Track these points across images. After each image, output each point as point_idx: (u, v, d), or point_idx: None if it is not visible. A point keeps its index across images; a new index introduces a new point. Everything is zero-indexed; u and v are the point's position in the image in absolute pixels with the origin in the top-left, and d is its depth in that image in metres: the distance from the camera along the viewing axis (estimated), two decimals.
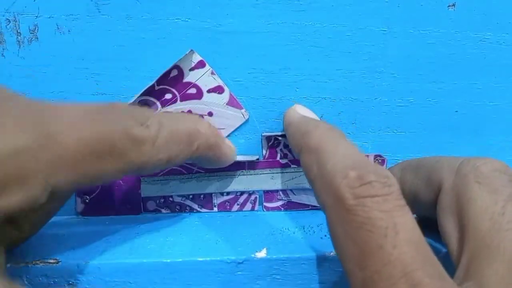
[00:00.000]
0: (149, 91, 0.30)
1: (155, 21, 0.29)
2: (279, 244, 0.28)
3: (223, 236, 0.29)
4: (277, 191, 0.33)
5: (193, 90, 0.31)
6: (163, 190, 0.32)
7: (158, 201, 0.32)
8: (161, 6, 0.29)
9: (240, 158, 0.32)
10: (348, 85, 0.32)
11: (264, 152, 0.32)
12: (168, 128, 0.24)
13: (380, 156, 0.33)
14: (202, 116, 0.31)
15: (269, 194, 0.33)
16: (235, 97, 0.31)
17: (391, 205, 0.20)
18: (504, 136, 0.34)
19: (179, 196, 0.32)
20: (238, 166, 0.32)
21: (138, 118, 0.23)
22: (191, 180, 0.32)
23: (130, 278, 0.26)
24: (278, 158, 0.33)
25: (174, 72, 0.31)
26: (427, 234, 0.21)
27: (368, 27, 0.31)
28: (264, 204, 0.33)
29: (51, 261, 0.26)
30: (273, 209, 0.33)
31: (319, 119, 0.30)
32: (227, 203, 0.33)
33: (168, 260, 0.26)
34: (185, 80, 0.31)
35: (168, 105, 0.31)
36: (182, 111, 0.31)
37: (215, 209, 0.33)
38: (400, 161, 0.33)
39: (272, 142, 0.32)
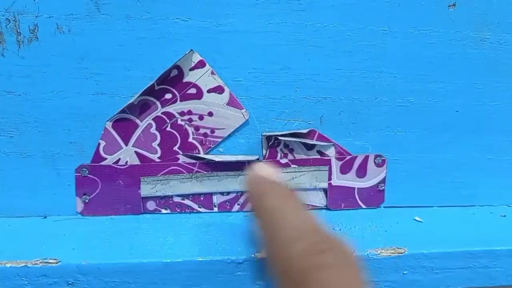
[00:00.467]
0: (149, 91, 0.30)
1: (155, 21, 0.29)
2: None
3: (223, 236, 0.29)
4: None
5: (193, 90, 0.31)
6: (163, 190, 0.32)
7: (158, 201, 0.32)
8: (161, 6, 0.29)
9: (240, 158, 0.32)
10: (348, 85, 0.32)
11: (264, 152, 0.32)
12: None
13: (380, 156, 0.33)
14: (202, 116, 0.31)
15: None
16: (235, 97, 0.31)
17: (345, 274, 0.20)
18: (504, 136, 0.34)
19: (179, 196, 0.32)
20: (238, 166, 0.32)
21: None
22: (191, 180, 0.32)
23: (130, 278, 0.26)
24: (278, 158, 0.33)
25: (174, 72, 0.31)
26: None
27: (368, 27, 0.31)
28: None
29: (51, 261, 0.26)
30: None
31: (278, 181, 0.28)
32: (227, 203, 0.33)
33: (168, 260, 0.26)
34: (185, 80, 0.31)
35: (168, 105, 0.31)
36: (183, 111, 0.31)
37: (215, 209, 0.33)
38: (400, 161, 0.34)
39: (272, 142, 0.32)
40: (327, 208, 0.34)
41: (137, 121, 0.31)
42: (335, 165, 0.33)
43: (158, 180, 0.32)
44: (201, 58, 0.30)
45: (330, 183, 0.33)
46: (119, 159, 0.31)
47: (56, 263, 0.26)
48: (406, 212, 0.34)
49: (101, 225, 0.30)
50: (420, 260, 0.29)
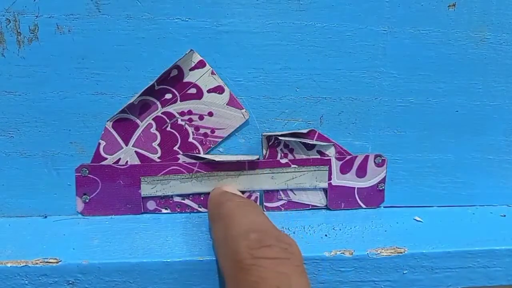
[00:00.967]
0: (149, 91, 0.30)
1: (155, 21, 0.29)
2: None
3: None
4: (277, 191, 0.33)
5: (193, 90, 0.31)
6: (163, 190, 0.32)
7: (158, 201, 0.32)
8: (161, 6, 0.29)
9: (240, 158, 0.32)
10: (348, 85, 0.32)
11: (264, 152, 0.32)
12: None
13: (380, 156, 0.33)
14: (202, 116, 0.31)
15: (269, 194, 0.33)
16: (235, 97, 0.31)
17: (288, 268, 0.20)
18: (504, 136, 0.34)
19: (179, 196, 0.32)
20: (238, 166, 0.32)
21: None
22: (191, 180, 0.32)
23: (130, 278, 0.26)
24: (278, 158, 0.33)
25: (174, 72, 0.31)
26: None
27: (368, 27, 0.31)
28: (265, 204, 0.33)
29: (52, 260, 0.26)
30: (273, 209, 0.33)
31: (241, 195, 0.31)
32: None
33: (168, 260, 0.26)
34: (185, 80, 0.31)
35: (168, 105, 0.31)
36: (183, 111, 0.31)
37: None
38: (400, 161, 0.34)
39: (272, 142, 0.32)
40: (327, 208, 0.34)
41: (137, 121, 0.31)
42: (335, 165, 0.33)
43: (158, 180, 0.32)
44: (201, 58, 0.30)
45: (330, 183, 0.33)
46: (119, 159, 0.31)
47: (57, 262, 0.26)
48: (406, 212, 0.34)
49: (101, 225, 0.30)
50: (420, 260, 0.29)
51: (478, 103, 0.33)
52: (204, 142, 0.32)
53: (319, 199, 0.34)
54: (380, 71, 0.32)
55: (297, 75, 0.31)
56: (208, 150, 0.32)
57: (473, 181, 0.35)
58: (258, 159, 0.32)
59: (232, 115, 0.31)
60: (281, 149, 0.33)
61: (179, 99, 0.31)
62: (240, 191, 0.33)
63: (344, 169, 0.33)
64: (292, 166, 0.33)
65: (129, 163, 0.31)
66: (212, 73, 0.31)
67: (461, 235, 0.31)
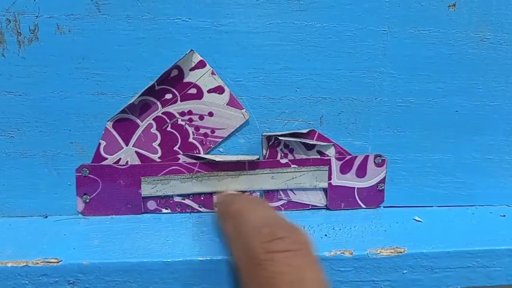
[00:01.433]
0: (150, 91, 0.30)
1: (155, 21, 0.29)
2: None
3: (223, 236, 0.29)
4: (277, 191, 0.33)
5: (193, 90, 0.31)
6: (164, 190, 0.32)
7: (158, 201, 0.32)
8: (161, 6, 0.29)
9: (240, 158, 0.32)
10: (348, 85, 0.32)
11: (264, 152, 0.32)
12: None
13: (380, 156, 0.33)
14: (202, 116, 0.31)
15: (269, 194, 0.33)
16: (235, 97, 0.31)
17: (300, 260, 0.21)
18: (504, 136, 0.34)
19: (179, 195, 0.32)
20: (238, 166, 0.32)
21: None
22: (191, 180, 0.32)
23: (130, 278, 0.26)
24: (278, 158, 0.33)
25: (174, 72, 0.31)
26: None
27: (368, 27, 0.31)
28: None
29: (52, 260, 0.26)
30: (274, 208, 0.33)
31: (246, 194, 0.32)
32: None
33: (168, 260, 0.26)
34: (186, 80, 0.31)
35: (169, 105, 0.31)
36: (183, 111, 0.31)
37: (216, 209, 0.33)
38: (400, 161, 0.34)
39: (273, 142, 0.32)
40: (327, 208, 0.34)
41: (138, 121, 0.31)
42: (335, 165, 0.33)
43: (158, 180, 0.32)
44: (201, 58, 0.30)
45: (330, 183, 0.33)
46: (120, 159, 0.31)
47: (57, 262, 0.26)
48: (406, 212, 0.34)
49: (101, 224, 0.30)
50: (420, 260, 0.29)
51: (478, 103, 0.33)
52: (204, 142, 0.32)
53: (319, 199, 0.34)
54: (380, 71, 0.32)
55: (297, 75, 0.31)
56: (208, 150, 0.32)
57: (473, 181, 0.35)
58: (258, 159, 0.32)
59: (232, 115, 0.31)
60: (281, 149, 0.33)
61: (179, 99, 0.31)
62: (240, 191, 0.33)
63: (344, 169, 0.33)
64: (292, 166, 0.33)
65: (129, 163, 0.31)
66: (212, 73, 0.31)
67: (461, 235, 0.31)
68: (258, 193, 0.33)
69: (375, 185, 0.34)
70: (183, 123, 0.31)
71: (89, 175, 0.31)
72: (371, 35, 0.31)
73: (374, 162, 0.33)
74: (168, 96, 0.31)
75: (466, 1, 0.31)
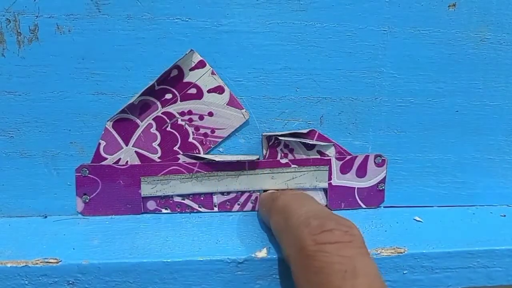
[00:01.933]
0: (149, 91, 0.30)
1: (155, 21, 0.29)
2: (279, 244, 0.28)
3: (223, 236, 0.29)
4: (277, 191, 0.33)
5: (193, 90, 0.31)
6: (164, 190, 0.32)
7: (158, 201, 0.32)
8: (161, 6, 0.29)
9: (240, 158, 0.32)
10: (348, 85, 0.32)
11: (264, 152, 0.32)
12: None
13: (380, 156, 0.33)
14: (202, 116, 0.31)
15: None
16: (235, 97, 0.31)
17: (351, 251, 0.21)
18: (504, 136, 0.34)
19: (179, 196, 0.32)
20: (238, 166, 0.32)
21: None
22: (191, 180, 0.32)
23: (130, 278, 0.26)
24: (278, 158, 0.33)
25: (174, 72, 0.31)
26: None
27: (368, 27, 0.31)
28: None
29: (52, 260, 0.26)
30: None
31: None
32: (227, 203, 0.33)
33: (168, 260, 0.26)
34: (185, 80, 0.31)
35: (168, 105, 0.31)
36: (183, 111, 0.31)
37: (216, 209, 0.33)
38: (400, 161, 0.34)
39: (273, 142, 0.32)
40: (327, 208, 0.34)
41: (138, 121, 0.31)
42: (335, 165, 0.33)
43: (158, 180, 0.32)
44: (201, 58, 0.30)
45: (330, 183, 0.33)
46: (120, 159, 0.31)
47: (57, 262, 0.26)
48: (406, 212, 0.34)
49: (101, 225, 0.30)
50: (420, 260, 0.29)
51: (478, 103, 0.33)
52: (204, 142, 0.32)
53: (319, 199, 0.34)
54: (380, 71, 0.32)
55: (297, 75, 0.31)
56: (208, 150, 0.32)
57: (473, 181, 0.35)
58: (258, 159, 0.32)
59: (232, 115, 0.31)
60: (281, 149, 0.33)
61: (179, 99, 0.31)
62: (240, 191, 0.33)
63: (344, 169, 0.33)
64: (292, 166, 0.33)
65: (129, 163, 0.31)
66: (212, 73, 0.31)
67: (461, 235, 0.31)
68: (258, 194, 0.33)
69: (375, 185, 0.34)
70: (183, 123, 0.31)
71: (88, 175, 0.31)
72: (371, 35, 0.31)
73: (374, 162, 0.33)
74: (168, 96, 0.31)
75: (466, 1, 0.31)
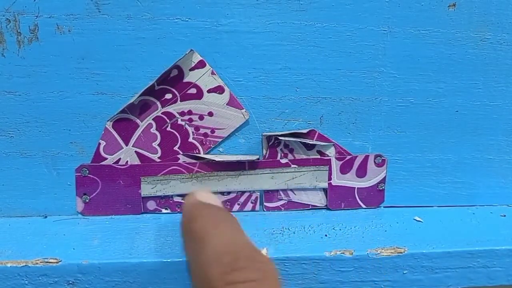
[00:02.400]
0: (149, 91, 0.30)
1: (155, 21, 0.29)
2: (279, 244, 0.28)
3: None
4: (277, 191, 0.33)
5: (193, 90, 0.31)
6: (164, 190, 0.32)
7: (158, 201, 0.32)
8: (161, 6, 0.29)
9: (240, 158, 0.32)
10: (348, 85, 0.32)
11: (264, 152, 0.32)
12: None
13: (380, 156, 0.33)
14: (202, 116, 0.31)
15: (269, 194, 0.33)
16: (235, 97, 0.31)
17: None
18: (504, 136, 0.34)
19: (179, 196, 0.32)
20: (239, 166, 0.32)
21: None
22: (191, 180, 0.32)
23: (130, 278, 0.26)
24: (278, 158, 0.33)
25: (174, 72, 0.31)
26: None
27: (368, 27, 0.31)
28: (265, 204, 0.33)
29: (52, 260, 0.26)
30: (273, 209, 0.33)
31: (215, 205, 0.26)
32: (227, 203, 0.33)
33: (169, 260, 0.26)
34: (185, 80, 0.31)
35: (168, 105, 0.31)
36: (183, 111, 0.31)
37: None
38: (400, 161, 0.34)
39: (273, 142, 0.32)
40: (327, 208, 0.34)
41: (138, 121, 0.31)
42: (335, 165, 0.33)
43: (158, 180, 0.32)
44: (201, 58, 0.30)
45: (330, 183, 0.33)
46: (120, 159, 0.31)
47: (57, 262, 0.26)
48: (406, 212, 0.34)
49: (101, 224, 0.30)
50: (420, 260, 0.29)
51: (478, 103, 0.33)
52: (204, 142, 0.32)
53: (319, 199, 0.34)
54: (380, 71, 0.32)
55: (297, 75, 0.31)
56: (208, 150, 0.32)
57: (473, 181, 0.35)
58: (258, 159, 0.32)
59: (232, 115, 0.31)
60: (281, 149, 0.33)
61: (179, 99, 0.31)
62: (240, 191, 0.33)
63: (344, 169, 0.33)
64: (292, 166, 0.33)
65: (129, 163, 0.31)
66: (212, 73, 0.31)
67: (461, 235, 0.31)
68: (258, 194, 0.33)
69: (375, 185, 0.34)
70: (183, 123, 0.31)
71: (88, 175, 0.31)
72: (371, 35, 0.31)
73: (374, 162, 0.33)
74: (168, 96, 0.31)
75: (466, 1, 0.31)
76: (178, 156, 0.32)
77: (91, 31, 0.29)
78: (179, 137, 0.32)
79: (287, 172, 0.33)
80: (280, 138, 0.32)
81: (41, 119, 0.30)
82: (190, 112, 0.31)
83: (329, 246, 0.28)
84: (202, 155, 0.32)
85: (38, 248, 0.27)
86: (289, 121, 0.32)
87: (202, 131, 0.32)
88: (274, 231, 0.30)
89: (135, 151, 0.31)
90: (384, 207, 0.34)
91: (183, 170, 0.32)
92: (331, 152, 0.33)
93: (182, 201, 0.32)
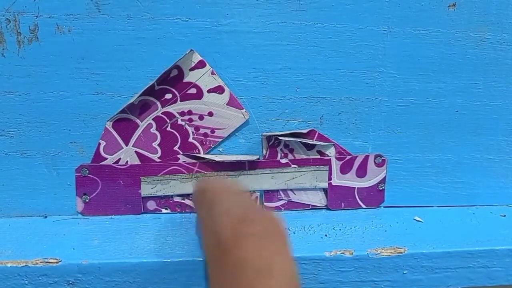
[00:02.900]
0: (149, 91, 0.30)
1: (155, 21, 0.29)
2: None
3: None
4: (277, 191, 0.33)
5: (193, 90, 0.31)
6: (164, 190, 0.32)
7: (158, 201, 0.32)
8: (161, 6, 0.29)
9: (240, 158, 0.32)
10: (348, 85, 0.32)
11: (264, 152, 0.32)
12: None
13: (380, 156, 0.33)
14: (202, 116, 0.31)
15: (269, 194, 0.33)
16: (235, 97, 0.31)
17: (270, 246, 0.19)
18: (504, 136, 0.34)
19: (179, 196, 0.32)
20: (239, 166, 0.32)
21: None
22: (191, 180, 0.32)
23: (130, 278, 0.26)
24: (278, 158, 0.33)
25: (174, 72, 0.31)
26: None
27: (368, 27, 0.31)
28: (265, 204, 0.33)
29: (52, 260, 0.26)
30: (273, 209, 0.33)
31: (221, 179, 0.28)
32: None
33: (168, 260, 0.26)
34: (185, 80, 0.31)
35: (168, 105, 0.31)
36: (183, 111, 0.31)
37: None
38: (400, 161, 0.34)
39: (273, 142, 0.32)
40: (327, 208, 0.34)
41: (137, 121, 0.31)
42: (335, 165, 0.33)
43: (158, 180, 0.32)
44: (201, 58, 0.30)
45: (330, 183, 0.33)
46: (120, 159, 0.31)
47: (57, 262, 0.26)
48: (406, 212, 0.34)
49: (101, 224, 0.30)
50: (420, 260, 0.29)
51: (478, 103, 0.33)
52: (204, 142, 0.32)
53: (319, 199, 0.34)
54: (380, 71, 0.32)
55: (297, 75, 0.31)
56: (208, 150, 0.32)
57: (473, 181, 0.35)
58: (258, 159, 0.32)
59: (232, 115, 0.31)
60: (281, 149, 0.33)
61: (179, 99, 0.31)
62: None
63: (344, 169, 0.33)
64: (292, 166, 0.33)
65: (129, 163, 0.31)
66: (212, 73, 0.31)
67: (461, 235, 0.31)
68: (258, 194, 0.33)
69: (375, 185, 0.34)
70: (183, 123, 0.31)
71: (88, 175, 0.31)
72: (371, 35, 0.31)
73: (374, 162, 0.33)
74: (168, 96, 0.31)
75: (466, 1, 0.31)
76: (178, 156, 0.32)
77: (91, 31, 0.29)
78: (179, 137, 0.31)
79: (287, 172, 0.33)
80: (280, 138, 0.32)
81: (41, 119, 0.30)
82: (190, 112, 0.31)
83: (329, 246, 0.28)
84: (202, 155, 0.32)
85: (38, 248, 0.27)
86: (289, 121, 0.32)
87: (202, 131, 0.32)
88: None
89: (135, 151, 0.31)
90: (384, 207, 0.34)
91: (183, 170, 0.32)
92: (331, 152, 0.33)
93: (182, 201, 0.32)
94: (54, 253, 0.27)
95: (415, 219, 0.33)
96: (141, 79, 0.30)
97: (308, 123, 0.32)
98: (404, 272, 0.29)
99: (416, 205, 0.35)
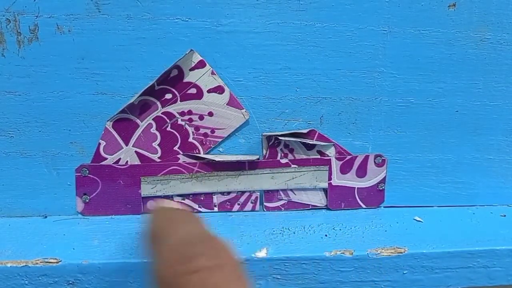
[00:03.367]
0: (149, 91, 0.30)
1: (155, 21, 0.29)
2: (279, 244, 0.28)
3: (223, 236, 0.29)
4: (277, 191, 0.33)
5: (193, 90, 0.31)
6: (164, 190, 0.32)
7: None
8: (161, 6, 0.29)
9: (240, 158, 0.32)
10: (348, 85, 0.32)
11: (264, 152, 0.32)
12: None
13: (380, 156, 0.33)
14: (202, 116, 0.31)
15: (269, 194, 0.33)
16: (235, 97, 0.31)
17: (219, 277, 0.19)
18: (504, 136, 0.34)
19: (179, 196, 0.32)
20: (239, 166, 0.32)
21: None
22: (191, 180, 0.32)
23: (130, 278, 0.26)
24: (278, 158, 0.33)
25: (174, 72, 0.31)
26: None
27: (368, 27, 0.31)
28: (265, 204, 0.33)
29: (52, 260, 0.26)
30: (273, 209, 0.33)
31: (174, 207, 0.26)
32: (227, 203, 0.33)
33: None
34: (185, 80, 0.31)
35: (168, 105, 0.31)
36: (183, 111, 0.31)
37: (215, 209, 0.33)
38: (400, 161, 0.34)
39: (273, 142, 0.32)
40: (327, 208, 0.34)
41: (138, 121, 0.31)
42: (335, 165, 0.33)
43: (158, 180, 0.32)
44: (201, 58, 0.30)
45: (330, 183, 0.33)
46: (120, 159, 0.31)
47: (57, 262, 0.26)
48: (406, 212, 0.34)
49: (101, 224, 0.30)
50: (420, 260, 0.29)
51: (478, 103, 0.33)
52: (204, 142, 0.32)
53: (319, 199, 0.34)
54: (380, 71, 0.32)
55: (297, 75, 0.31)
56: (208, 150, 0.32)
57: (473, 181, 0.35)
58: (258, 159, 0.32)
59: (232, 115, 0.31)
60: (281, 149, 0.33)
61: (179, 99, 0.31)
62: (240, 191, 0.33)
63: (344, 169, 0.33)
64: (292, 166, 0.33)
65: (129, 163, 0.31)
66: (212, 73, 0.31)
67: (461, 235, 0.31)
68: (258, 194, 0.33)
69: (375, 185, 0.34)
70: (183, 123, 0.31)
71: (88, 175, 0.31)
72: (371, 35, 0.31)
73: (374, 162, 0.33)
74: (168, 96, 0.31)
75: (466, 1, 0.31)
76: (178, 156, 0.32)
77: (91, 31, 0.29)
78: (179, 137, 0.32)
79: (287, 172, 0.33)
80: (280, 138, 0.32)
81: (41, 119, 0.30)
82: (190, 112, 0.31)
83: (329, 246, 0.28)
84: (202, 155, 0.32)
85: (38, 248, 0.27)
86: (289, 121, 0.32)
87: (202, 131, 0.32)
88: (274, 231, 0.30)
89: (135, 151, 0.31)
90: (384, 207, 0.34)
91: (183, 170, 0.32)
92: (331, 152, 0.33)
93: (182, 201, 0.32)
94: (54, 253, 0.27)
95: (415, 219, 0.33)
96: (141, 79, 0.30)
97: (308, 123, 0.32)
98: (404, 272, 0.29)
99: (416, 205, 0.35)
